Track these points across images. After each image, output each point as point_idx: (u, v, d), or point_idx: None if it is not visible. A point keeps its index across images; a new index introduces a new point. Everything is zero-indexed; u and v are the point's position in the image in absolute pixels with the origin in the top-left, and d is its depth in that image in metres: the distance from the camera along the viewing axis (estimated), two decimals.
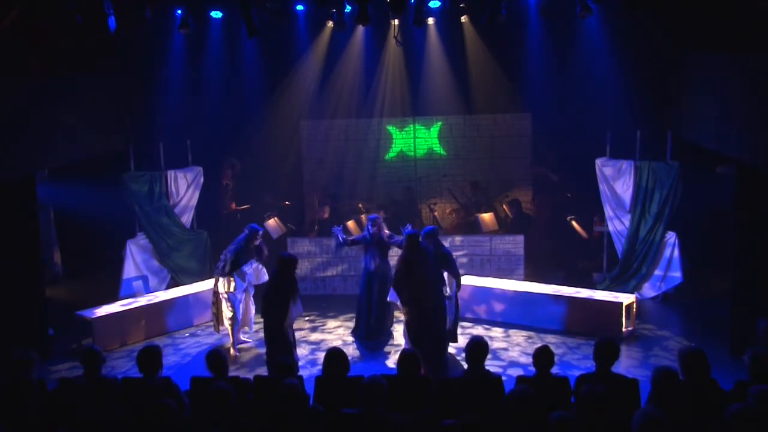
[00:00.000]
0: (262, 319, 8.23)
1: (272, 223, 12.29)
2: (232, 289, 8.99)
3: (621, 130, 11.14)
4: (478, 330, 9.90)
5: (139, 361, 5.86)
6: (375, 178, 13.71)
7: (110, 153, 11.02)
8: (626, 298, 9.53)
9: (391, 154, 13.77)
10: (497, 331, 9.82)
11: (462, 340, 8.95)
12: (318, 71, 12.94)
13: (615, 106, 11.26)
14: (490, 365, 7.79)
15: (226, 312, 9.08)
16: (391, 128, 13.69)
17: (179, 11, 10.35)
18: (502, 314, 10.16)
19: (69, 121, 9.60)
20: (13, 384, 5.61)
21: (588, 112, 11.74)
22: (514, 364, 8.66)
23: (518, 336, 9.63)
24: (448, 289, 8.59)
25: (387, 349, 9.14)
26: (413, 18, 10.12)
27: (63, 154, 9.63)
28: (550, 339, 9.35)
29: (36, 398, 5.59)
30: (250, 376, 6.70)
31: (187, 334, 10.05)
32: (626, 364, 8.40)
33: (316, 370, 8.09)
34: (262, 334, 8.42)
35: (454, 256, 9.08)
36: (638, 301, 10.09)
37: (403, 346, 8.56)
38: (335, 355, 5.93)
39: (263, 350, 8.42)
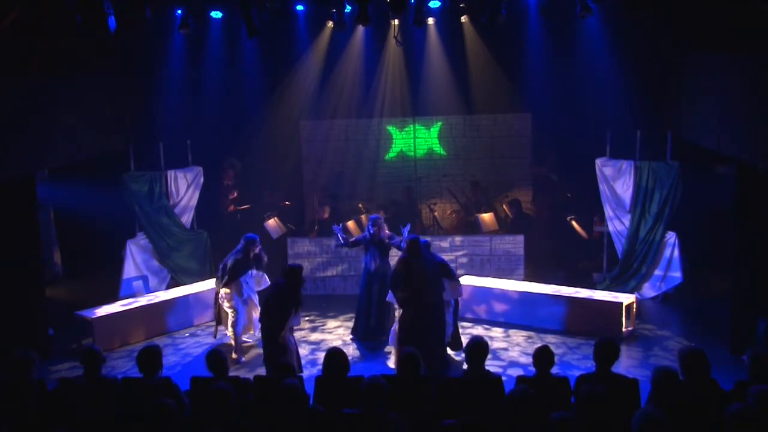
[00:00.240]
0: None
1: (272, 223, 12.29)
2: (231, 301, 8.95)
3: (621, 130, 11.15)
4: (478, 330, 9.91)
5: (139, 361, 5.86)
6: (375, 178, 13.71)
7: (110, 153, 11.02)
8: (626, 298, 9.53)
9: (391, 154, 13.77)
10: (497, 331, 9.82)
11: (462, 340, 8.96)
12: (318, 71, 12.94)
13: (615, 106, 11.26)
14: (490, 365, 7.79)
15: (229, 317, 9.04)
16: (391, 128, 13.69)
17: (179, 11, 10.35)
18: (502, 314, 10.16)
19: (69, 121, 9.61)
20: (13, 384, 5.62)
21: (588, 112, 11.74)
22: (514, 364, 8.66)
23: (518, 336, 9.64)
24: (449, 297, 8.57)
25: (387, 349, 9.14)
26: (413, 18, 10.12)
27: (63, 154, 9.63)
28: (550, 339, 9.35)
29: (36, 398, 5.59)
30: (250, 376, 6.70)
31: (187, 334, 10.06)
32: (626, 364, 8.41)
33: (316, 370, 8.09)
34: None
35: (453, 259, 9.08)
36: (638, 301, 10.10)
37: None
38: (335, 355, 5.93)
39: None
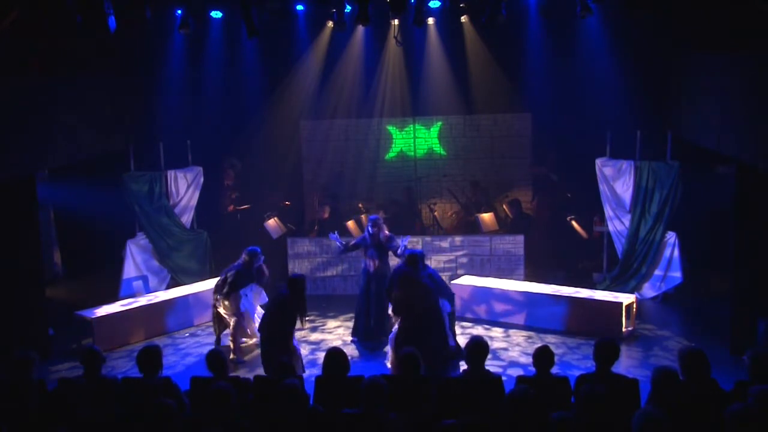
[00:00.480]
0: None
1: (272, 223, 12.29)
2: (230, 311, 8.92)
3: (621, 130, 11.14)
4: (478, 330, 9.91)
5: (139, 361, 5.86)
6: (375, 178, 13.71)
7: (110, 153, 11.02)
8: (626, 298, 9.53)
9: (391, 154, 13.77)
10: (497, 331, 9.82)
11: (462, 340, 8.95)
12: (318, 71, 12.94)
13: (615, 106, 11.26)
14: (490, 365, 7.77)
15: (231, 325, 8.98)
16: (391, 128, 13.69)
17: (179, 11, 10.35)
18: (502, 314, 10.16)
19: (69, 121, 9.60)
20: (13, 384, 5.62)
21: (588, 112, 11.74)
22: (514, 364, 8.66)
23: (518, 336, 9.64)
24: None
25: (386, 349, 9.12)
26: (413, 18, 10.11)
27: (63, 154, 9.62)
28: (550, 339, 9.35)
29: (36, 398, 5.59)
30: (250, 376, 6.70)
31: (187, 334, 10.06)
32: (626, 364, 8.40)
33: (316, 370, 8.08)
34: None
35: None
36: (638, 301, 10.10)
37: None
38: (335, 355, 5.93)
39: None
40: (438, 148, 13.64)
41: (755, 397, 4.58)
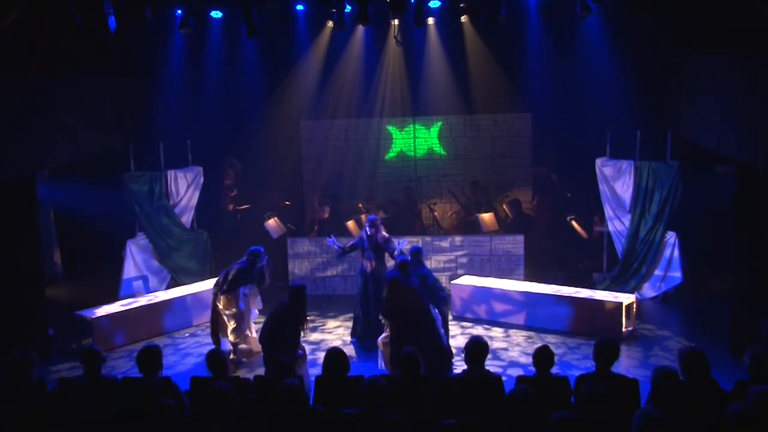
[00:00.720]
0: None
1: (272, 223, 12.28)
2: (230, 310, 8.91)
3: (621, 130, 11.15)
4: (478, 330, 9.91)
5: (139, 361, 5.86)
6: (375, 178, 13.71)
7: (110, 153, 11.02)
8: (626, 298, 9.53)
9: (391, 154, 13.77)
10: (497, 331, 9.82)
11: (462, 340, 8.95)
12: (318, 71, 12.94)
13: (615, 106, 11.26)
14: (490, 365, 7.78)
15: (229, 326, 8.91)
16: (391, 128, 13.69)
17: (179, 11, 10.35)
18: (502, 314, 10.16)
19: (69, 121, 9.60)
20: (13, 384, 5.62)
21: (588, 112, 11.73)
22: (514, 364, 8.66)
23: (518, 336, 9.64)
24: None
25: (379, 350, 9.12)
26: (413, 18, 10.11)
27: (63, 154, 9.62)
28: (550, 339, 9.35)
29: (36, 398, 5.59)
30: (250, 376, 6.70)
31: (187, 334, 10.06)
32: (626, 364, 8.41)
33: (316, 370, 8.08)
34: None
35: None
36: (638, 301, 10.10)
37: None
38: (335, 355, 5.93)
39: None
40: (438, 148, 13.64)
41: (755, 397, 4.58)
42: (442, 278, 10.74)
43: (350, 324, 9.78)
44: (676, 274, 10.82)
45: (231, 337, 8.93)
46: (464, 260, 11.58)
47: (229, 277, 8.80)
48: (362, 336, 9.35)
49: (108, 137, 10.84)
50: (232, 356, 8.82)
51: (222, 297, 8.85)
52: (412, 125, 13.60)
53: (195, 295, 10.44)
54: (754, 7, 7.69)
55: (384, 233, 9.42)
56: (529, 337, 9.55)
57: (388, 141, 13.73)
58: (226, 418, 4.84)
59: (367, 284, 9.32)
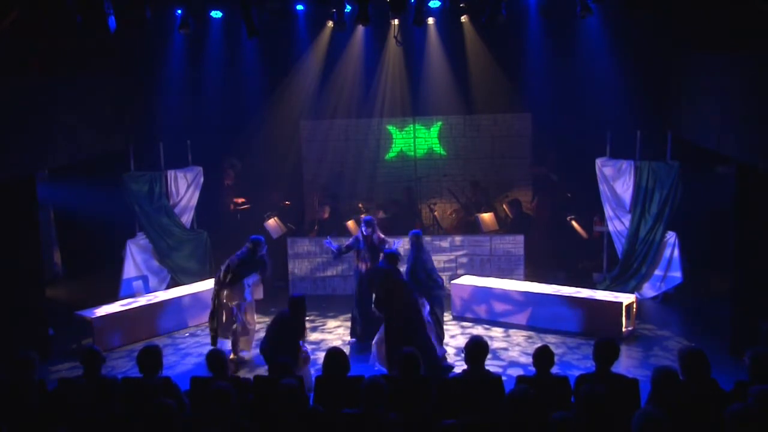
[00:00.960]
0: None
1: (272, 223, 12.29)
2: (232, 302, 8.88)
3: (621, 130, 11.15)
4: (478, 330, 9.91)
5: (139, 361, 5.86)
6: (375, 178, 13.71)
7: (110, 153, 11.02)
8: (626, 298, 9.53)
9: (391, 154, 13.77)
10: (497, 331, 9.82)
11: (462, 340, 8.95)
12: (318, 71, 12.95)
13: (615, 106, 11.26)
14: (490, 365, 7.79)
15: (229, 322, 8.89)
16: (391, 128, 13.69)
17: (179, 11, 10.35)
18: (502, 314, 10.16)
19: (69, 121, 9.61)
20: (14, 384, 5.62)
21: (588, 112, 11.74)
22: (514, 364, 8.66)
23: (518, 336, 9.63)
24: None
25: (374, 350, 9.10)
26: (413, 18, 10.11)
27: (63, 154, 9.62)
28: (550, 339, 9.35)
29: (36, 398, 5.59)
30: (250, 376, 6.70)
31: (187, 334, 10.06)
32: (626, 364, 8.41)
33: (316, 370, 8.08)
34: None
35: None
36: (638, 301, 10.10)
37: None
38: (335, 355, 5.93)
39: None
40: (438, 148, 13.64)
41: (755, 397, 4.58)
42: (443, 278, 10.73)
43: (350, 324, 9.77)
44: (676, 274, 10.82)
45: (230, 335, 8.90)
46: (464, 260, 11.58)
47: (232, 269, 8.77)
48: (362, 336, 9.36)
49: (108, 137, 10.85)
50: (232, 356, 8.82)
51: (226, 290, 8.82)
52: (412, 125, 13.60)
53: (195, 295, 10.45)
54: (754, 7, 7.70)
55: (380, 234, 9.42)
56: (529, 337, 9.55)
57: (388, 141, 13.73)
58: (226, 418, 4.84)
59: (362, 285, 9.32)
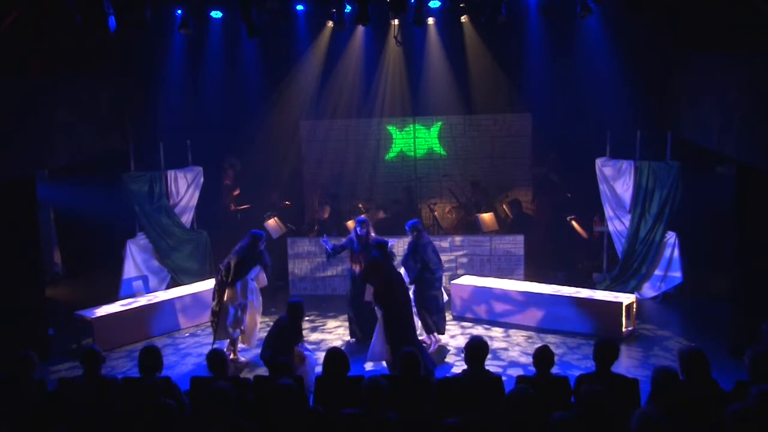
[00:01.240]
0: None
1: (272, 223, 12.28)
2: (236, 301, 8.83)
3: (621, 130, 11.15)
4: (478, 330, 9.91)
5: (139, 361, 5.87)
6: (375, 178, 13.71)
7: (110, 153, 11.02)
8: (626, 298, 9.53)
9: (391, 154, 13.77)
10: (497, 331, 9.82)
11: (462, 340, 8.95)
12: (318, 71, 12.94)
13: (615, 106, 11.25)
14: (490, 365, 7.79)
15: (232, 320, 8.84)
16: (391, 128, 13.69)
17: (179, 11, 10.34)
18: (502, 314, 10.16)
19: (69, 121, 9.60)
20: (14, 384, 5.62)
21: (588, 112, 11.73)
22: (514, 364, 8.66)
23: (518, 336, 9.63)
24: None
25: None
26: (413, 18, 10.11)
27: (63, 154, 9.63)
28: (550, 339, 9.35)
29: (36, 398, 5.59)
30: (250, 376, 6.70)
31: (187, 334, 10.06)
32: (626, 364, 8.40)
33: (317, 370, 8.08)
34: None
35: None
36: (638, 301, 10.10)
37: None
38: (335, 355, 5.94)
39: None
40: (438, 148, 13.64)
41: (755, 397, 4.58)
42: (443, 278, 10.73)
43: (348, 324, 9.76)
44: (676, 274, 10.82)
45: (231, 333, 8.87)
46: (464, 260, 11.58)
47: (233, 267, 8.72)
48: (360, 336, 9.36)
49: (108, 137, 10.85)
50: (232, 356, 8.82)
51: (228, 289, 8.80)
52: (412, 125, 13.60)
53: (195, 295, 10.44)
54: (754, 7, 7.69)
55: (373, 234, 9.42)
56: (529, 337, 9.55)
57: (388, 141, 13.73)
58: (226, 418, 4.84)
59: (355, 286, 9.32)
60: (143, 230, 11.54)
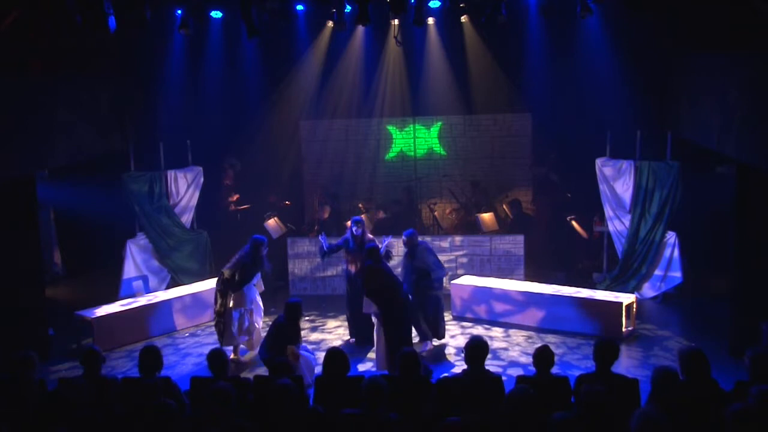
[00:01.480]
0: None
1: (272, 223, 12.28)
2: (241, 306, 8.80)
3: (621, 130, 11.15)
4: (478, 330, 9.90)
5: (139, 361, 5.87)
6: (375, 178, 13.72)
7: (110, 153, 11.02)
8: (626, 298, 9.53)
9: (391, 154, 13.77)
10: (497, 331, 9.82)
11: (462, 340, 8.94)
12: (318, 71, 12.95)
13: (615, 106, 11.26)
14: (490, 365, 7.78)
15: (237, 326, 8.85)
16: (391, 128, 13.69)
17: (179, 11, 10.35)
18: (502, 314, 10.15)
19: (69, 121, 9.60)
20: (14, 384, 5.62)
21: (588, 112, 11.74)
22: (514, 364, 8.65)
23: (518, 336, 9.63)
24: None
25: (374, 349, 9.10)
26: (413, 18, 10.11)
27: (63, 154, 9.63)
28: (550, 339, 9.35)
29: (36, 398, 5.59)
30: (250, 376, 6.70)
31: (187, 334, 10.06)
32: (626, 364, 8.40)
33: (317, 370, 8.08)
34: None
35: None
36: (638, 301, 10.10)
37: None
38: (335, 355, 5.94)
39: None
40: (438, 148, 13.64)
41: (755, 397, 4.58)
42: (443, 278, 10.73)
43: (347, 324, 9.76)
44: (676, 274, 10.82)
45: (234, 337, 8.88)
46: (464, 260, 11.58)
47: (237, 276, 8.69)
48: (359, 336, 9.35)
49: (108, 137, 10.85)
50: (232, 356, 8.81)
51: (235, 295, 8.77)
52: (412, 125, 13.60)
53: (195, 295, 10.44)
54: (754, 7, 7.69)
55: (368, 234, 9.42)
56: (529, 337, 9.55)
57: (388, 141, 13.73)
58: (226, 418, 4.84)
59: (352, 286, 9.32)
60: (143, 230, 11.54)
